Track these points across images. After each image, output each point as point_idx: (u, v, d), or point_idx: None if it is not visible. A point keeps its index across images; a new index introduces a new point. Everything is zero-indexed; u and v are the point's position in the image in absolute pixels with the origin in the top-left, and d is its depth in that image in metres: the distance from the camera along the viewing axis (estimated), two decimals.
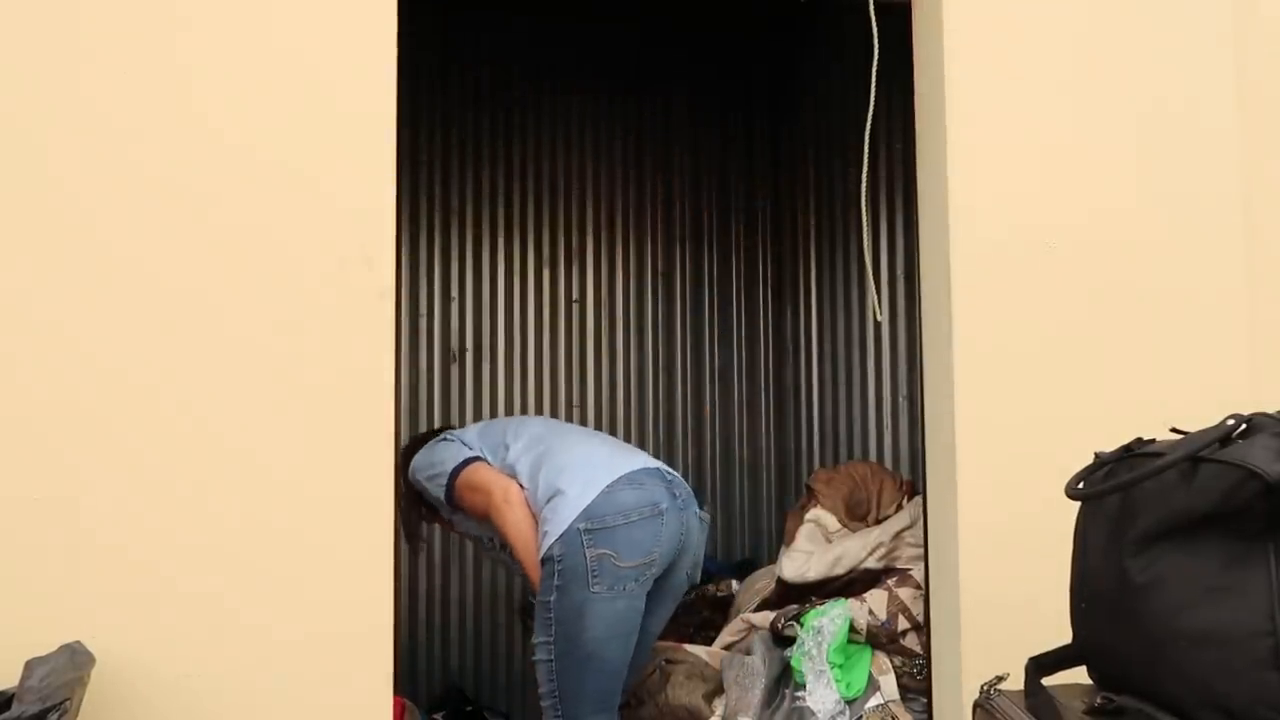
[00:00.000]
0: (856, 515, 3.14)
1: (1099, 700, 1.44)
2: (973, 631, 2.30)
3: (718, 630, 3.19)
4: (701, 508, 2.69)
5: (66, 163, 1.98)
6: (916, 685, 2.66)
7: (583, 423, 4.40)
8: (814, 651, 2.66)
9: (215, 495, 1.98)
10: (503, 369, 4.44)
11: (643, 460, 2.61)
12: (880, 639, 2.73)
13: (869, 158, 2.50)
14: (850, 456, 4.04)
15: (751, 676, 2.73)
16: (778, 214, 4.76)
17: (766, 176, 4.79)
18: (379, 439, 2.06)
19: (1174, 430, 1.51)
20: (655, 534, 2.49)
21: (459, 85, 4.43)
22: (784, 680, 2.72)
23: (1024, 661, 1.59)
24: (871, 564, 2.91)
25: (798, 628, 2.75)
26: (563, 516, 2.47)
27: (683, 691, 2.81)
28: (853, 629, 2.71)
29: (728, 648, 2.99)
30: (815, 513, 3.14)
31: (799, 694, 2.63)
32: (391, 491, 2.07)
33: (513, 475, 2.64)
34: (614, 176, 4.62)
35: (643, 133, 4.65)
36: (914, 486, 3.14)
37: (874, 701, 2.63)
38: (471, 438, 2.77)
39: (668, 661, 2.92)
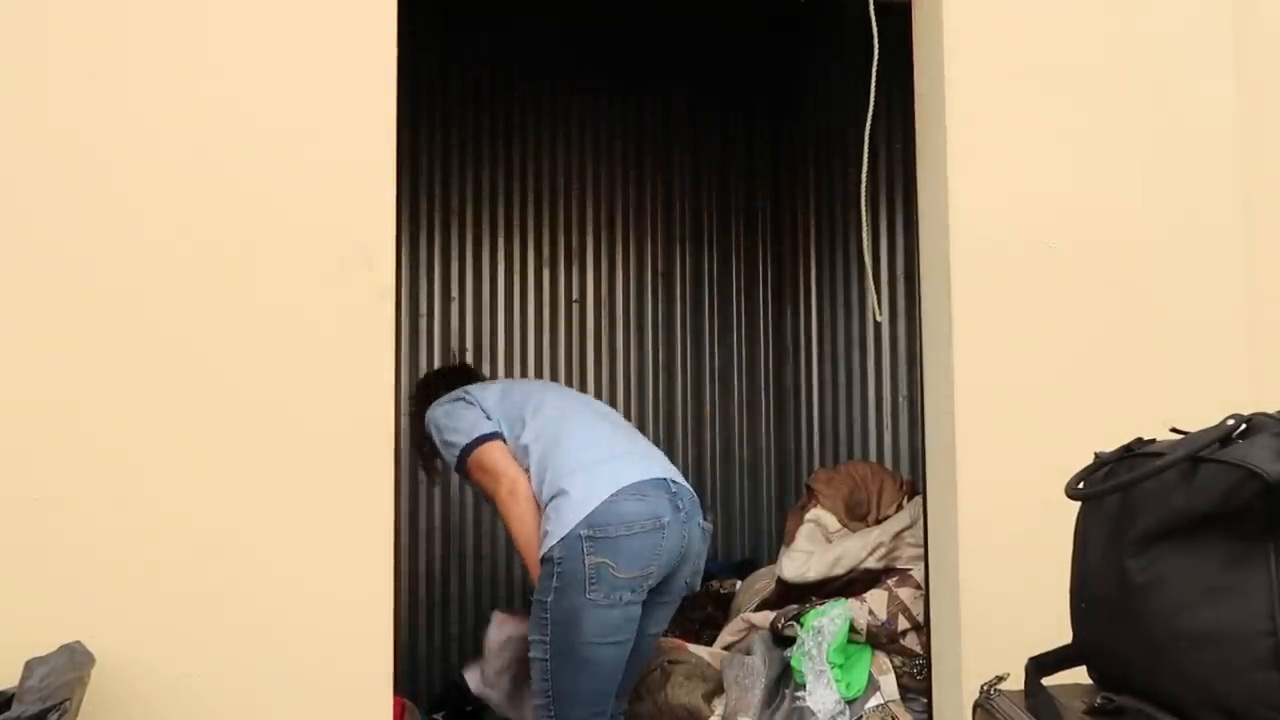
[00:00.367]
0: (856, 515, 3.14)
1: (1099, 700, 1.44)
2: (973, 631, 2.30)
3: (721, 628, 3.19)
4: (705, 518, 2.68)
5: (65, 163, 1.98)
6: (916, 685, 2.66)
7: None
8: (814, 651, 2.66)
9: (215, 495, 1.98)
10: (503, 369, 4.44)
11: (649, 468, 2.59)
12: (880, 639, 2.73)
13: (869, 158, 2.50)
14: (850, 456, 4.04)
15: (751, 676, 2.73)
16: (778, 214, 4.76)
17: (766, 176, 4.80)
18: (379, 439, 2.06)
19: (1174, 430, 1.51)
20: (655, 546, 2.49)
21: (459, 85, 4.43)
22: (784, 680, 2.72)
23: (1024, 661, 1.59)
24: (871, 564, 2.91)
25: (798, 628, 2.75)
26: (565, 520, 2.46)
27: (682, 691, 2.81)
28: (853, 629, 2.71)
29: (728, 648, 3.00)
30: (815, 513, 3.14)
31: (799, 694, 2.63)
32: (392, 491, 2.07)
33: (524, 456, 2.63)
34: (614, 176, 4.62)
35: (643, 133, 4.65)
36: (914, 486, 3.14)
37: (874, 701, 2.63)
38: (492, 402, 2.72)
39: (669, 661, 2.92)
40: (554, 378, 4.46)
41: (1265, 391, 2.33)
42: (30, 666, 1.69)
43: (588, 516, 2.44)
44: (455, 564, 4.32)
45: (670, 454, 4.39)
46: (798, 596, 2.97)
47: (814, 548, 3.04)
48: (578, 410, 2.74)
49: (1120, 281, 2.44)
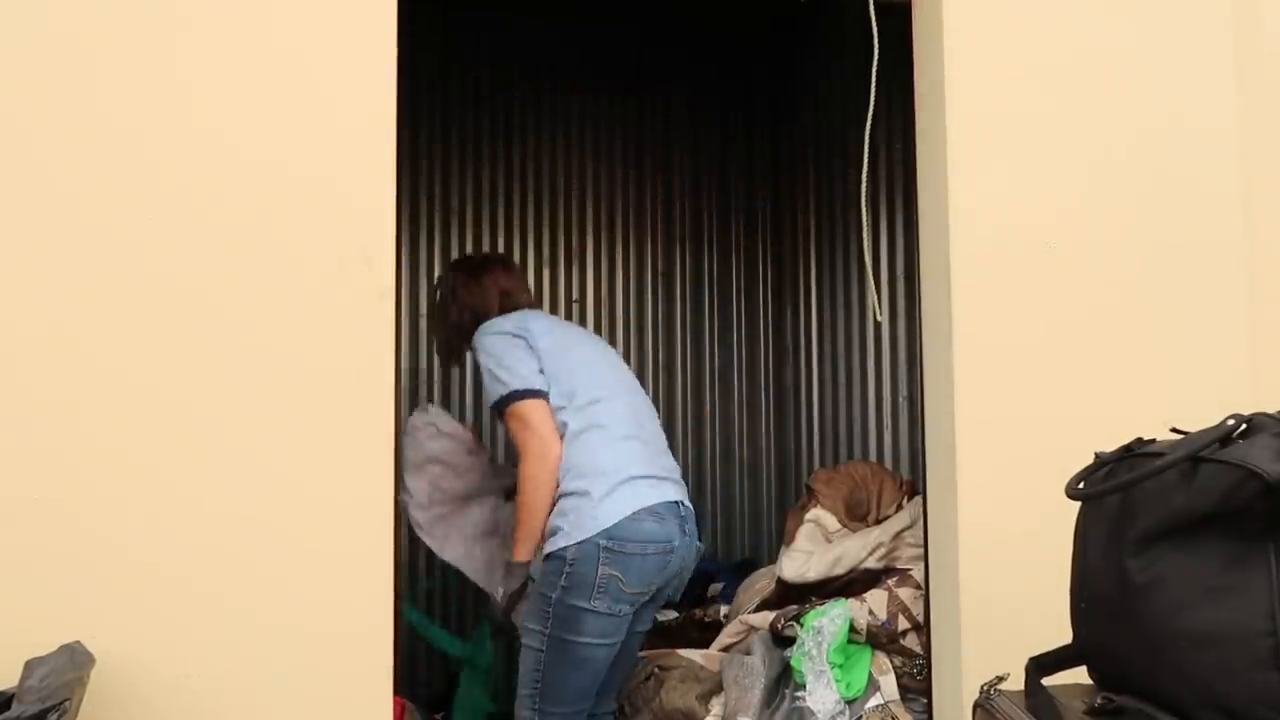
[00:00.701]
0: (856, 515, 3.14)
1: (1099, 700, 1.44)
2: (973, 631, 2.30)
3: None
4: (700, 537, 2.72)
5: (65, 163, 1.98)
6: (916, 685, 2.66)
7: None
8: (814, 651, 2.66)
9: (215, 495, 1.98)
10: None
11: (667, 492, 2.60)
12: (880, 639, 2.73)
13: (869, 158, 2.50)
14: (850, 456, 4.04)
15: (751, 676, 2.73)
16: (778, 214, 4.76)
17: (766, 176, 4.80)
18: (379, 439, 2.06)
19: (1174, 430, 1.51)
20: (661, 568, 2.53)
21: (459, 85, 4.43)
22: (784, 680, 2.72)
23: (1024, 661, 1.59)
24: (871, 564, 2.91)
25: (798, 628, 2.75)
26: (585, 525, 2.46)
27: (676, 695, 2.81)
28: (853, 629, 2.71)
29: (727, 649, 3.00)
30: (815, 513, 3.14)
31: (799, 694, 2.63)
32: (391, 491, 2.07)
33: (560, 428, 2.60)
34: (614, 176, 4.62)
35: (643, 133, 4.65)
36: (914, 486, 3.14)
37: (874, 701, 2.63)
38: (546, 345, 2.66)
39: (660, 668, 2.92)
40: None
41: (1265, 391, 2.33)
42: (30, 666, 1.69)
43: (609, 529, 2.46)
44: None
45: (670, 454, 4.41)
46: (798, 597, 2.97)
47: (814, 548, 3.05)
48: (621, 413, 2.67)
49: (1120, 281, 2.44)
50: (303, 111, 2.06)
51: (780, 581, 3.06)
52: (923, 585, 2.65)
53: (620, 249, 4.61)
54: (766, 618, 2.90)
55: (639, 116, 4.63)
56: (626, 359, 4.52)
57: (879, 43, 2.42)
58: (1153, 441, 1.54)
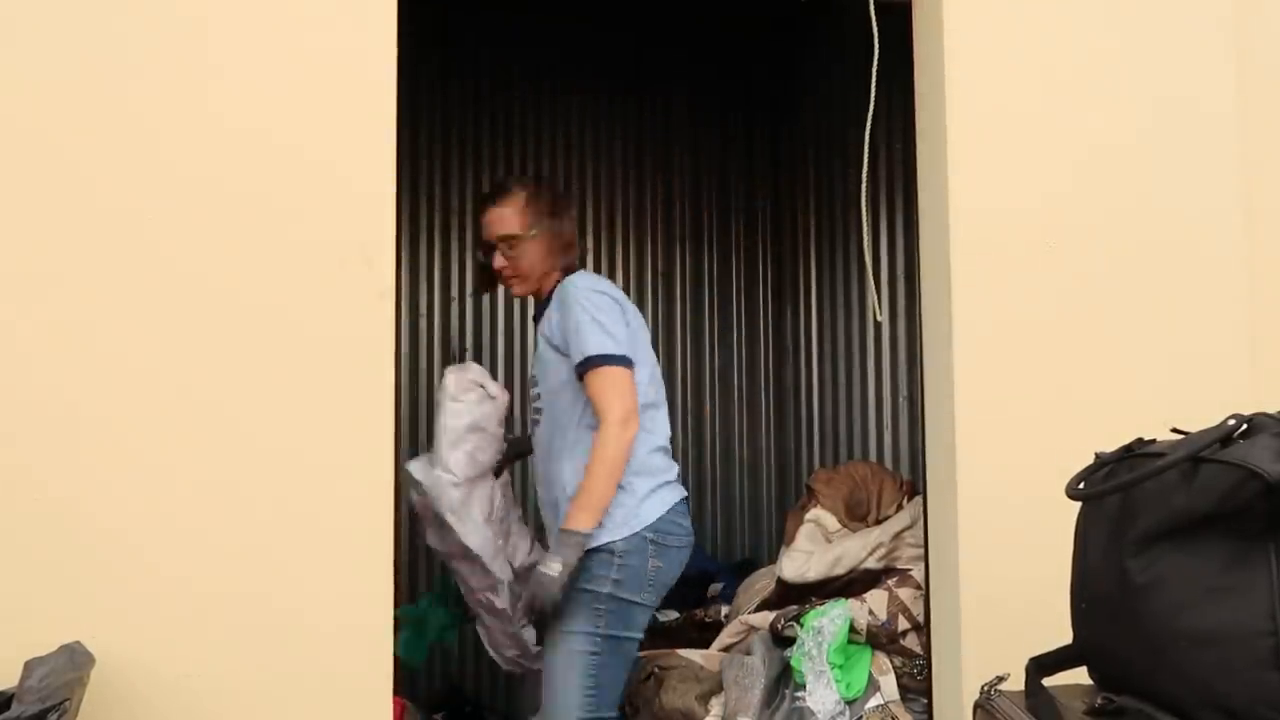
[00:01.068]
0: (856, 515, 3.13)
1: (1099, 700, 1.44)
2: (973, 631, 2.30)
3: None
4: (698, 538, 2.80)
5: (65, 164, 1.98)
6: (916, 685, 2.66)
7: None
8: (814, 652, 2.66)
9: (215, 495, 1.98)
10: (502, 369, 4.44)
11: (680, 489, 2.67)
12: (880, 639, 2.73)
13: (869, 158, 2.50)
14: (850, 456, 4.04)
15: (751, 676, 2.73)
16: (778, 214, 4.76)
17: (766, 176, 4.79)
18: (379, 439, 2.06)
19: (1174, 430, 1.51)
20: (685, 559, 2.62)
21: (459, 85, 4.43)
22: (784, 680, 2.72)
23: (1024, 661, 1.59)
24: (871, 564, 2.91)
25: (798, 628, 2.75)
26: (631, 521, 2.48)
27: (675, 695, 2.80)
28: (853, 629, 2.70)
29: (726, 649, 2.99)
30: (815, 513, 3.14)
31: (799, 694, 2.63)
32: (391, 492, 2.07)
33: None
34: (614, 177, 4.62)
35: (643, 133, 4.65)
36: (914, 486, 3.14)
37: (874, 702, 2.63)
38: (632, 328, 2.59)
39: (660, 668, 2.92)
40: None
41: (1265, 391, 2.33)
42: (30, 666, 1.69)
43: (654, 522, 2.51)
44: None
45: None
46: (798, 597, 2.96)
47: (814, 548, 3.04)
48: (662, 422, 2.68)
49: (1120, 281, 2.44)
50: (303, 111, 2.06)
51: (780, 581, 3.06)
52: (923, 585, 2.65)
53: (620, 249, 4.61)
54: (766, 618, 2.90)
55: (639, 117, 4.63)
56: None
57: (879, 43, 2.42)
58: (1153, 442, 1.54)
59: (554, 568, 2.38)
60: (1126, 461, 1.52)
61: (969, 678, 2.23)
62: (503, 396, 2.88)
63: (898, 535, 2.95)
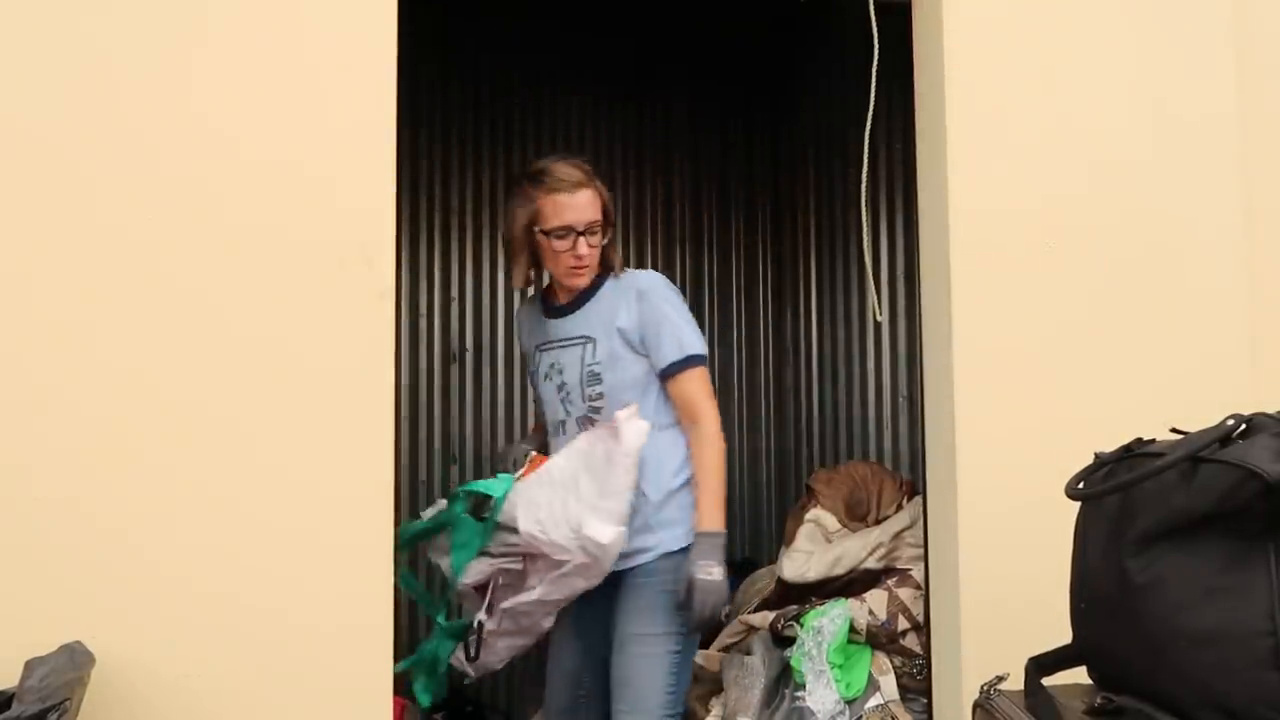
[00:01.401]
0: (856, 515, 3.14)
1: (1099, 700, 1.44)
2: (973, 631, 2.30)
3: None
4: None
5: (65, 165, 1.98)
6: (916, 685, 2.66)
7: None
8: (814, 651, 2.66)
9: (215, 495, 1.98)
10: (503, 369, 4.44)
11: None
12: (880, 639, 2.73)
13: (869, 158, 2.50)
14: (850, 456, 4.04)
15: (751, 676, 2.73)
16: (778, 215, 4.76)
17: (767, 177, 4.79)
18: (379, 439, 2.06)
19: (1174, 430, 1.52)
20: None
21: (459, 87, 4.43)
22: (784, 680, 2.72)
23: (1024, 661, 1.59)
24: (871, 564, 2.91)
25: (798, 628, 2.75)
26: (687, 528, 2.42)
27: None
28: (853, 629, 2.71)
29: (726, 649, 3.00)
30: (815, 513, 3.14)
31: (799, 694, 2.63)
32: (392, 491, 2.07)
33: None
34: (614, 179, 4.61)
35: (643, 138, 4.65)
36: (914, 486, 3.14)
37: (874, 701, 2.63)
38: None
39: None
40: None
41: (1265, 391, 2.33)
42: (30, 666, 1.69)
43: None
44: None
45: None
46: (798, 597, 2.96)
47: (814, 548, 3.04)
48: None
49: (1120, 281, 2.44)
50: (303, 112, 2.06)
51: (780, 581, 3.06)
52: (923, 585, 2.65)
53: (620, 250, 4.61)
54: (766, 618, 2.90)
55: (639, 122, 4.63)
56: None
57: (879, 43, 2.42)
58: (1153, 441, 1.54)
59: (716, 572, 2.33)
60: (1126, 461, 1.52)
61: (969, 677, 2.23)
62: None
63: (898, 535, 2.95)
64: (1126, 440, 1.57)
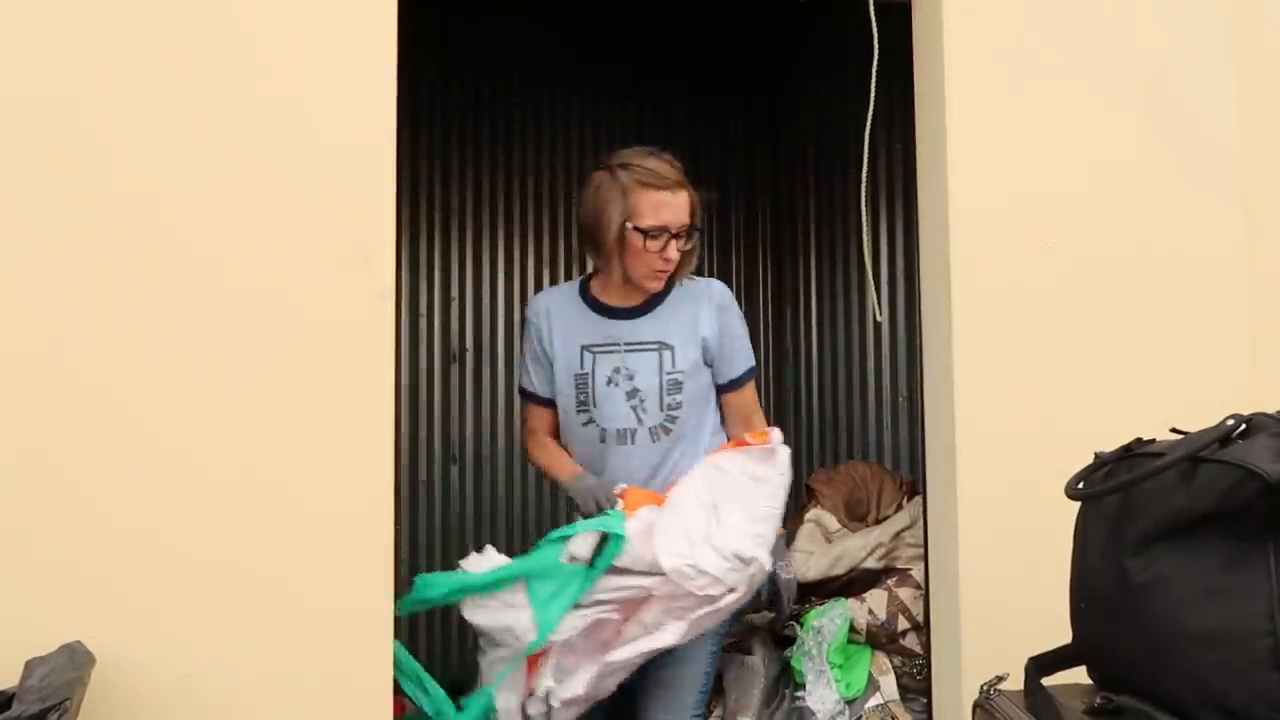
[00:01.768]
0: (856, 515, 3.14)
1: (1099, 700, 1.44)
2: (973, 631, 2.30)
3: None
4: None
5: (64, 164, 1.98)
6: (916, 685, 2.66)
7: None
8: (814, 651, 2.66)
9: (215, 495, 1.98)
10: (503, 369, 4.44)
11: None
12: (880, 639, 2.73)
13: (869, 158, 2.50)
14: (850, 456, 4.04)
15: (751, 676, 2.73)
16: (778, 215, 4.76)
17: (766, 177, 4.80)
18: (379, 439, 2.06)
19: (1174, 430, 1.52)
20: None
21: (459, 87, 4.43)
22: (784, 680, 2.72)
23: (1024, 661, 1.59)
24: (871, 564, 2.91)
25: (798, 628, 2.75)
26: None
27: None
28: (853, 629, 2.71)
29: (726, 649, 3.00)
30: (815, 513, 3.14)
31: (799, 694, 2.63)
32: (391, 491, 2.07)
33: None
34: None
35: (643, 138, 4.62)
36: (914, 486, 3.14)
37: (874, 701, 2.63)
38: None
39: None
40: None
41: (1265, 391, 2.33)
42: (30, 666, 1.69)
43: None
44: (455, 564, 4.31)
45: None
46: (798, 597, 2.96)
47: (814, 548, 3.04)
48: None
49: (1120, 281, 2.44)
50: (303, 112, 2.06)
51: None
52: (923, 585, 2.65)
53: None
54: (766, 617, 2.90)
55: (639, 123, 4.63)
56: None
57: (879, 43, 2.42)
58: (1153, 441, 1.54)
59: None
60: (1126, 461, 1.52)
61: (969, 677, 2.23)
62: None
63: (898, 535, 2.95)
64: (1126, 440, 1.57)
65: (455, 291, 4.42)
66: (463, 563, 2.26)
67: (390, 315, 2.08)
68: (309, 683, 1.99)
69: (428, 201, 4.39)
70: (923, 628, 2.64)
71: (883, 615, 2.73)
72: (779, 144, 4.74)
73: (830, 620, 2.70)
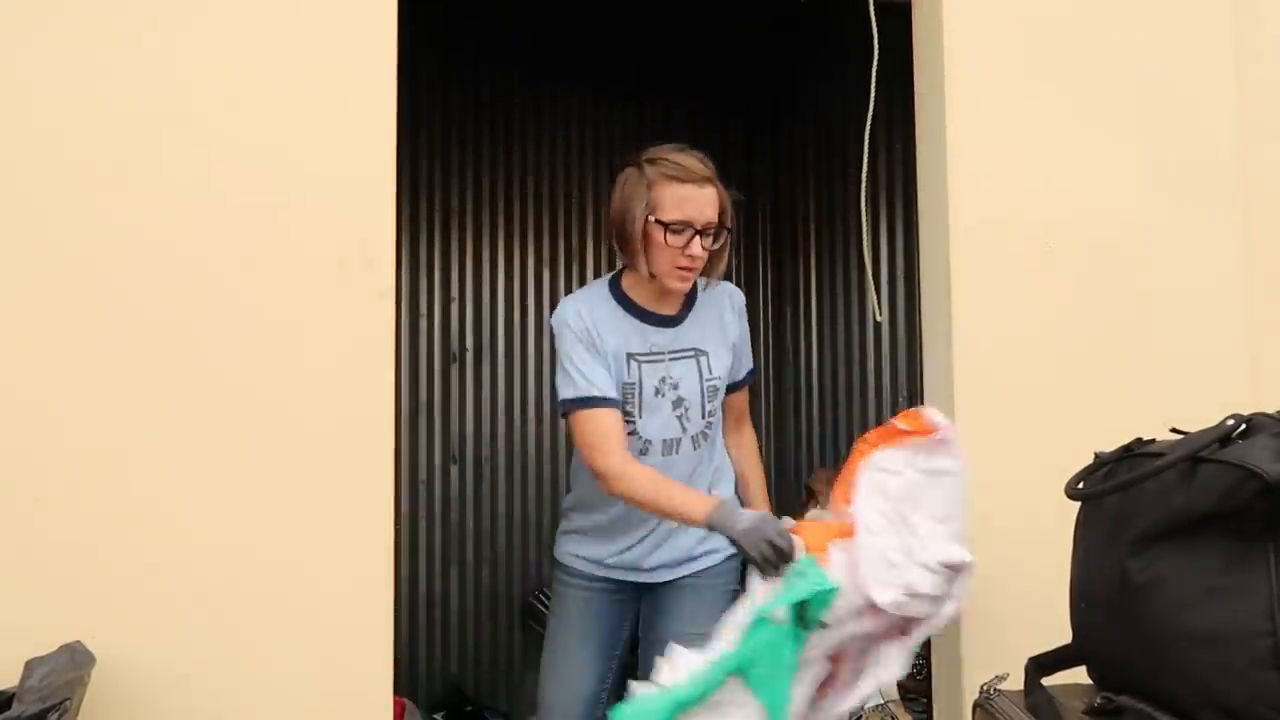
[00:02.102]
0: None
1: (1099, 700, 1.44)
2: (973, 631, 2.30)
3: None
4: None
5: (64, 164, 1.98)
6: (916, 685, 2.65)
7: None
8: None
9: (215, 495, 1.98)
10: (503, 369, 4.44)
11: None
12: None
13: (869, 158, 2.50)
14: None
15: None
16: (778, 215, 4.76)
17: (767, 177, 4.79)
18: (379, 439, 2.06)
19: (1174, 430, 1.52)
20: None
21: (459, 87, 4.43)
22: None
23: (1024, 661, 1.59)
24: None
25: None
26: None
27: None
28: None
29: None
30: (815, 513, 3.14)
31: None
32: (391, 491, 2.07)
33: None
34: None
35: (643, 138, 4.63)
36: None
37: (874, 701, 2.63)
38: None
39: None
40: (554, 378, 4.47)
41: (1265, 391, 2.33)
42: (30, 666, 1.69)
43: None
44: (455, 564, 4.32)
45: None
46: None
47: None
48: None
49: (1120, 281, 2.44)
50: (303, 112, 2.06)
51: None
52: None
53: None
54: None
55: (639, 123, 4.63)
56: None
57: (879, 43, 2.42)
58: (1152, 441, 1.54)
59: (741, 521, 2.11)
60: (1126, 461, 1.52)
61: (969, 678, 2.23)
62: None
63: None
64: (1126, 440, 1.57)
65: (455, 291, 4.42)
66: (657, 677, 1.91)
67: (390, 315, 2.08)
68: (309, 683, 1.99)
69: (428, 201, 4.39)
70: None
71: None
72: (779, 144, 4.74)
73: None
